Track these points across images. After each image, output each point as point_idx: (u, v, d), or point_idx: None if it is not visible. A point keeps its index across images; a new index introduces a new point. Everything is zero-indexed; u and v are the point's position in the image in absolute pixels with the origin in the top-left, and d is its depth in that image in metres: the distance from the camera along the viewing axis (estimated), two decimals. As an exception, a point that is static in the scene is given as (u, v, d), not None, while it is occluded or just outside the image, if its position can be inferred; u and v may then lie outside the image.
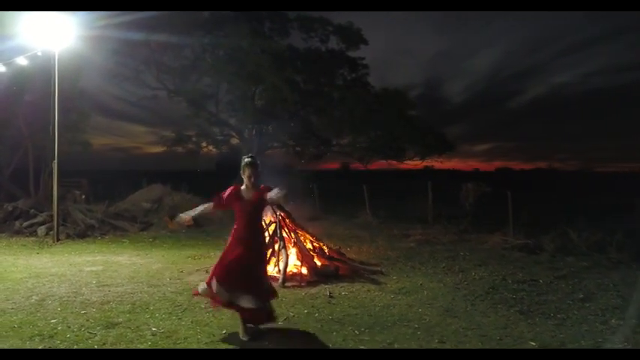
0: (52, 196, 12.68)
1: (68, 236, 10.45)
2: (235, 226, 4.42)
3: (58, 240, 9.98)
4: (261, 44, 16.59)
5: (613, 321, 5.02)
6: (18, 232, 10.88)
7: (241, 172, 4.37)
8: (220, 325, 4.77)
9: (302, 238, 7.23)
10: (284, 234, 7.09)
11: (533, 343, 4.43)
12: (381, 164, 21.29)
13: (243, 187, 4.41)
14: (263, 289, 4.41)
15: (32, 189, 15.80)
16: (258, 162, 4.42)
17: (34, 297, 5.67)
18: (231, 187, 4.46)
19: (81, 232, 10.73)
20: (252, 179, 4.34)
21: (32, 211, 11.72)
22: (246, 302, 4.23)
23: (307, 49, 19.01)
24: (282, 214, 7.22)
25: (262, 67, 16.13)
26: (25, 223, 11.17)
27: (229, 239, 4.43)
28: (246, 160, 4.37)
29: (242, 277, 4.24)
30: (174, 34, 16.30)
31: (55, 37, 9.90)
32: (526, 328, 4.85)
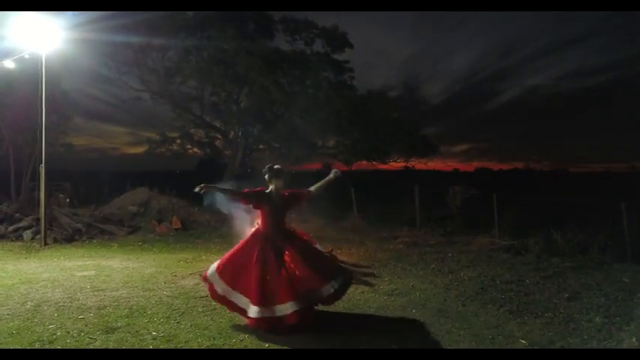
0: (34, 199, 12.56)
1: (55, 240, 10.35)
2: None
3: (45, 244, 9.89)
4: (248, 46, 16.59)
5: (598, 319, 5.23)
6: (3, 237, 10.74)
7: (271, 177, 5.02)
8: (220, 329, 4.84)
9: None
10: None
11: (524, 342, 4.60)
12: (361, 165, 21.39)
13: (270, 190, 5.02)
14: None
15: (14, 193, 15.53)
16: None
17: (28, 303, 5.65)
18: (260, 188, 5.01)
19: (68, 237, 10.64)
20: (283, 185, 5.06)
21: (17, 215, 11.56)
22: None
23: (292, 52, 19.05)
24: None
25: (253, 69, 16.13)
26: (11, 228, 11.01)
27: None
28: (276, 168, 5.05)
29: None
30: (158, 36, 16.19)
31: (42, 40, 9.80)
32: (516, 327, 5.02)
